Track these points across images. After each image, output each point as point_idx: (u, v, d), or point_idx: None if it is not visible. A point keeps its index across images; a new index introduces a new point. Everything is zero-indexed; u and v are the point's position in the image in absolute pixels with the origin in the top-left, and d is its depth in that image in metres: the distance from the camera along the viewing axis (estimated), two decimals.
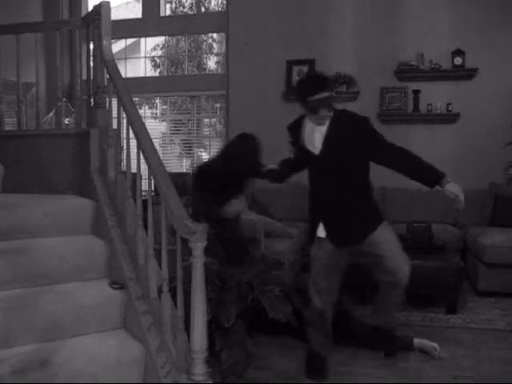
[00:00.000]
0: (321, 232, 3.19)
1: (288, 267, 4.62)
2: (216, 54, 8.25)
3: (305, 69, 6.88)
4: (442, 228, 5.60)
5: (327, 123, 3.10)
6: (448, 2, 6.60)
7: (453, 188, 2.96)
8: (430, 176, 3.06)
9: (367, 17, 6.78)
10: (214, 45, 8.36)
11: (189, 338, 2.39)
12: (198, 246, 2.28)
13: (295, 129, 3.28)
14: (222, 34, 7.66)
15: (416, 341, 3.67)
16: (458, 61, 6.52)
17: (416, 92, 6.62)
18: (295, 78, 6.91)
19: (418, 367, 3.42)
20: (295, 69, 6.94)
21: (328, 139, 3.09)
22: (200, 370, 2.34)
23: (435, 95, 6.61)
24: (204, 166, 4.25)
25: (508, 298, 4.83)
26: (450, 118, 6.61)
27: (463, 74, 6.54)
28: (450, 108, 6.57)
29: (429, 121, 6.68)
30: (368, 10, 6.77)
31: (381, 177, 6.77)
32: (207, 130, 8.13)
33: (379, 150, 3.15)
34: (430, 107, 6.60)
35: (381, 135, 3.21)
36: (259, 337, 3.74)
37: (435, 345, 3.58)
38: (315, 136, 3.12)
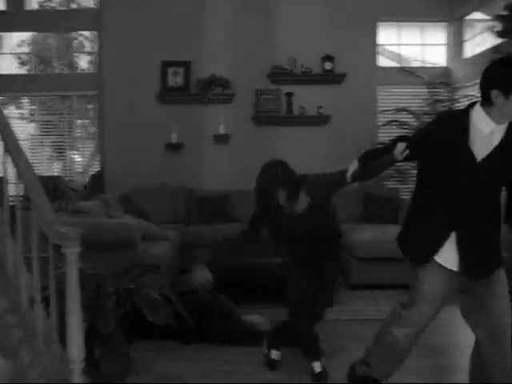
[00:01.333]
0: (444, 259, 2.56)
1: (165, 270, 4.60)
2: (89, 53, 7.97)
3: (180, 70, 6.85)
4: None
5: (506, 126, 2.45)
6: (319, 9, 6.89)
7: None
8: None
9: (242, 20, 6.89)
10: (87, 43, 8.07)
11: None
12: (72, 251, 2.19)
13: (454, 123, 2.51)
14: (95, 32, 7.40)
15: None
16: (328, 66, 6.84)
17: (289, 95, 6.85)
18: (170, 79, 6.87)
19: (300, 361, 3.49)
20: (170, 70, 6.88)
21: (501, 145, 2.45)
22: (78, 379, 2.26)
23: (307, 98, 6.87)
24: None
25: (378, 290, 5.14)
26: (321, 120, 6.91)
27: (333, 78, 6.88)
28: (321, 111, 6.86)
29: (302, 123, 6.93)
30: (243, 14, 6.89)
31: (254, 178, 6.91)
32: (80, 131, 7.83)
33: None
34: (302, 110, 6.85)
35: None
36: (140, 342, 3.68)
37: None
38: (492, 137, 2.45)
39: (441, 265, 2.55)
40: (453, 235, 2.53)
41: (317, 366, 3.26)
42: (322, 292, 3.37)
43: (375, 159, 2.74)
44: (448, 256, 2.54)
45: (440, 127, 2.57)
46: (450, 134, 2.48)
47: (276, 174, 3.02)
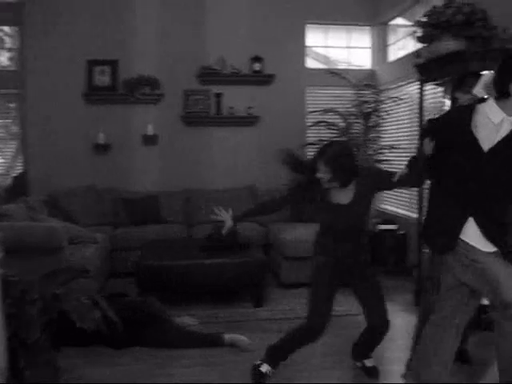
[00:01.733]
0: (470, 235, 2.57)
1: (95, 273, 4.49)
2: (9, 49, 7.64)
3: (107, 69, 6.70)
4: (247, 226, 5.87)
5: None
6: (248, 10, 6.93)
7: None
8: None
9: (171, 19, 6.82)
10: (7, 38, 7.73)
11: None
12: None
13: (464, 115, 2.59)
14: (15, 28, 7.10)
15: (226, 336, 3.80)
16: (256, 67, 6.89)
17: (218, 95, 6.85)
18: (97, 78, 6.70)
19: (233, 360, 3.55)
20: (97, 69, 6.71)
21: (510, 136, 2.51)
22: None
23: (236, 99, 6.90)
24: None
25: (307, 288, 5.22)
26: (250, 120, 6.96)
27: (262, 79, 6.94)
28: (250, 111, 6.90)
29: (231, 123, 6.95)
30: (172, 13, 6.82)
31: (184, 179, 6.89)
32: (1, 131, 7.50)
33: None
34: (231, 110, 6.86)
35: None
36: (69, 349, 3.57)
37: (245, 338, 3.74)
38: (500, 128, 2.51)
39: (467, 243, 2.56)
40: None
41: (264, 367, 3.21)
42: (379, 300, 3.18)
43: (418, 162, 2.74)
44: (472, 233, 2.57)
45: (447, 121, 2.71)
46: (456, 127, 2.59)
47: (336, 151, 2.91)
